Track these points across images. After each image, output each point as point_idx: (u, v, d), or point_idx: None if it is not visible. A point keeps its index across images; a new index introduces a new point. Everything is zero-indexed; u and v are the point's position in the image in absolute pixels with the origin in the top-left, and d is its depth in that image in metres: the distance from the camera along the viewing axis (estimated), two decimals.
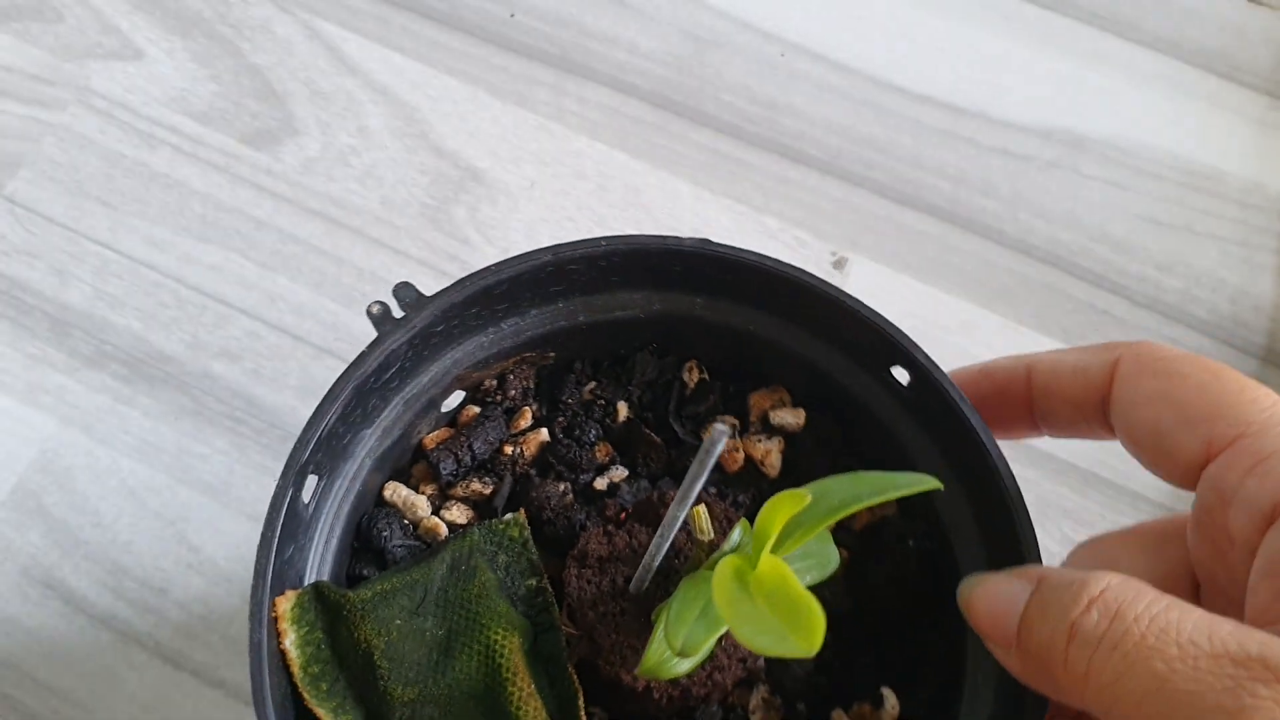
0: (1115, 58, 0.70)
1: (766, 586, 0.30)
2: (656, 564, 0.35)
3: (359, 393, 0.39)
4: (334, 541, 0.40)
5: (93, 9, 0.68)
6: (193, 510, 0.56)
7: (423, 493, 0.42)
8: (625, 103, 0.67)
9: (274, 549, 0.36)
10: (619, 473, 0.42)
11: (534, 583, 0.38)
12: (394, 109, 0.66)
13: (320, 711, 0.36)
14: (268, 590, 0.35)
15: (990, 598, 0.33)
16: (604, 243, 0.40)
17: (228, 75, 0.66)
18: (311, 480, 0.38)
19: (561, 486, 0.41)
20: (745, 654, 0.37)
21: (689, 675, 0.36)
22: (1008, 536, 0.37)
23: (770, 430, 0.43)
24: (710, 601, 0.32)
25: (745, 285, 0.41)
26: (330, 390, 0.38)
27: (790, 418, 0.43)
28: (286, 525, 0.36)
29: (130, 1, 0.68)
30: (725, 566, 0.31)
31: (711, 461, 0.29)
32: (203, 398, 0.58)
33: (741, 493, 0.42)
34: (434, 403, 0.42)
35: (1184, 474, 0.34)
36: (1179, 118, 0.68)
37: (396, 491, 0.42)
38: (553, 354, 0.43)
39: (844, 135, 0.67)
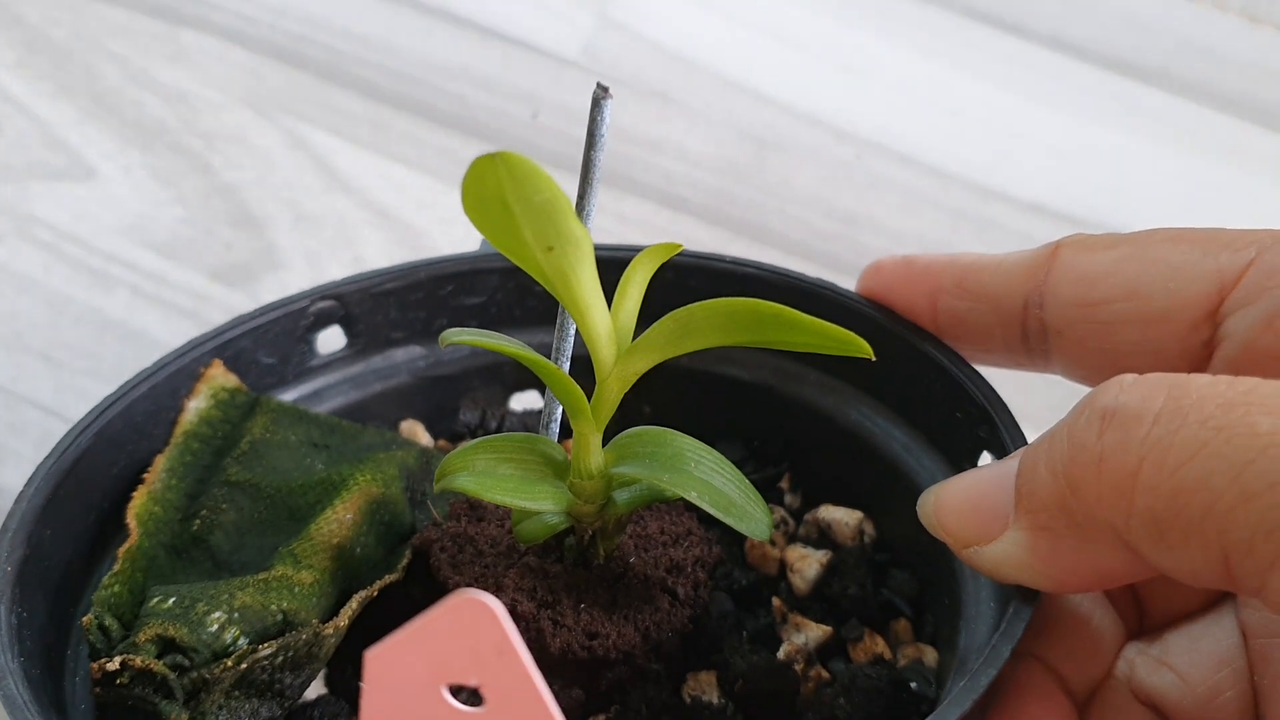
0: (1256, 150, 0.60)
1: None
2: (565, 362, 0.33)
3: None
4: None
5: (36, 119, 0.58)
6: None
7: (437, 444, 0.40)
8: (674, 219, 0.56)
9: None
10: None
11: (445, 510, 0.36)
12: (396, 233, 0.56)
13: (159, 460, 0.34)
14: None
15: (965, 486, 0.28)
16: None
17: (195, 197, 0.56)
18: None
19: None
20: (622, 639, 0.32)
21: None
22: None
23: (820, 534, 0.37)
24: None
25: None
26: None
27: (846, 519, 0.37)
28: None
29: (80, 109, 0.58)
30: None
31: (601, 123, 0.29)
32: None
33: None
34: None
35: (1187, 329, 0.29)
36: None
37: (414, 428, 0.40)
38: None
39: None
